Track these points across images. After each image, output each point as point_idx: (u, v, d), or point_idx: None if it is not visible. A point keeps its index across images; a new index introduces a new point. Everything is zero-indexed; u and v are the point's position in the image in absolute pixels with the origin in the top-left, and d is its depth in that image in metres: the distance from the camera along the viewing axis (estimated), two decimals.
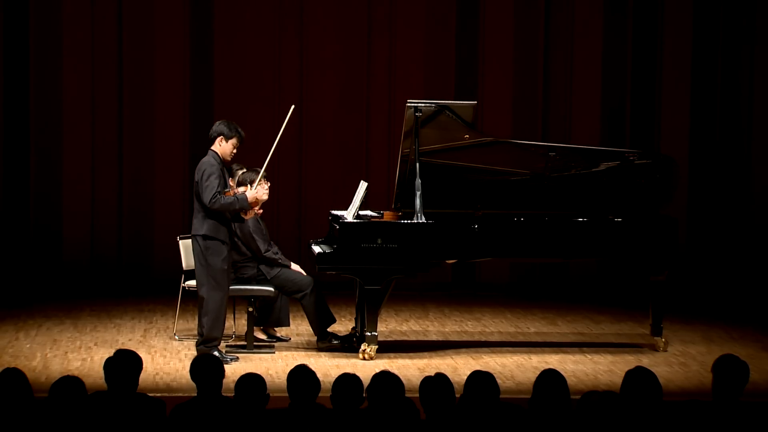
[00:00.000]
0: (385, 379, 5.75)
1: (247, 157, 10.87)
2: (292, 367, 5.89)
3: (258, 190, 9.65)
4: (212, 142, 9.64)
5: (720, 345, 10.69)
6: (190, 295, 10.51)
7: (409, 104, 9.99)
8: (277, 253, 10.32)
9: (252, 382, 5.73)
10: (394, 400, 5.67)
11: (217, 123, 9.77)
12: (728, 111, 13.79)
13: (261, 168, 10.36)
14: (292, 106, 10.13)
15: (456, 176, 10.37)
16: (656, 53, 13.79)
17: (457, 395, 5.71)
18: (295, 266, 10.34)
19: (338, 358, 9.81)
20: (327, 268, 9.91)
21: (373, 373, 5.85)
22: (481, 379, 5.70)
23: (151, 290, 13.04)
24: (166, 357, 9.87)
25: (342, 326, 10.82)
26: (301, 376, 5.77)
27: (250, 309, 10.03)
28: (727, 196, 13.75)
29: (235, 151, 9.70)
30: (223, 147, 9.63)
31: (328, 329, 10.23)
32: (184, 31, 13.46)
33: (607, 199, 10.43)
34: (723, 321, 12.00)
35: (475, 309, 12.50)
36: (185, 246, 10.47)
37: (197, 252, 9.57)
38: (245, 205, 9.58)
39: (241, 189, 9.90)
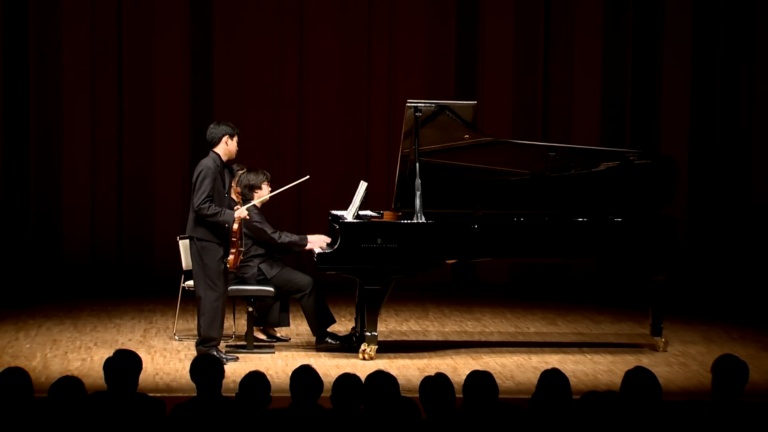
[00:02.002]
0: (379, 378, 5.75)
1: (247, 157, 10.87)
2: (293, 367, 5.89)
3: (243, 211, 9.62)
4: (214, 144, 9.63)
5: (720, 345, 10.69)
6: (190, 295, 10.49)
7: (409, 104, 9.99)
8: (289, 236, 10.21)
9: (257, 381, 5.73)
10: (389, 399, 5.66)
11: (214, 125, 9.73)
12: (728, 111, 13.79)
13: (263, 170, 10.37)
14: (307, 176, 10.21)
15: (456, 176, 10.36)
16: (656, 53, 13.78)
17: (458, 395, 5.71)
18: (312, 237, 10.25)
19: (338, 358, 9.81)
20: (327, 268, 9.91)
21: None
22: (479, 379, 5.70)
23: (151, 290, 13.04)
24: (166, 357, 9.87)
25: (342, 326, 10.82)
26: (305, 376, 5.76)
27: (250, 309, 10.03)
28: (726, 196, 13.75)
29: (237, 147, 9.73)
30: (230, 146, 9.64)
31: (328, 329, 10.22)
32: (184, 32, 13.46)
33: (607, 199, 10.43)
34: (723, 321, 12.00)
35: (475, 309, 12.50)
36: (185, 246, 10.46)
37: (194, 252, 9.59)
38: (229, 219, 9.51)
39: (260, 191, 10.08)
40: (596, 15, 13.75)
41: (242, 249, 9.78)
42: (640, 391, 5.65)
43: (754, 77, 13.69)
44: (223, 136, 9.62)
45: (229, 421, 5.65)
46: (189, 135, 13.41)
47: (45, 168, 13.31)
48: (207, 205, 9.44)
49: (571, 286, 13.68)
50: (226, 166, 9.76)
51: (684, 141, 13.78)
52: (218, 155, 9.60)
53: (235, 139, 9.67)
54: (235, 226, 9.59)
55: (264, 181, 10.25)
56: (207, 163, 9.56)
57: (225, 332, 10.58)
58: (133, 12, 13.37)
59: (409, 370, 9.42)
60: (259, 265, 10.20)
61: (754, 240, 13.66)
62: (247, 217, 9.68)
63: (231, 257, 9.65)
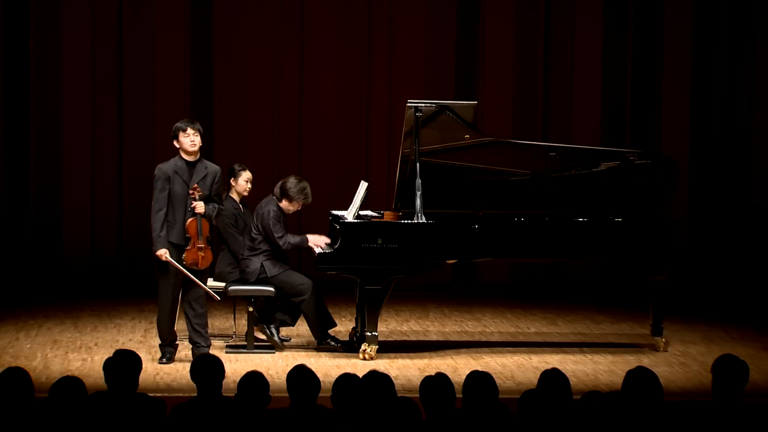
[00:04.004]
0: (374, 379, 5.75)
1: (248, 157, 10.87)
2: (292, 367, 5.89)
3: (199, 205, 9.44)
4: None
5: (720, 345, 10.69)
6: None
7: (409, 104, 9.99)
8: (292, 239, 10.16)
9: (255, 381, 5.73)
10: (385, 399, 5.66)
11: None
12: (728, 111, 13.79)
13: (309, 193, 10.32)
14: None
15: (456, 176, 10.36)
16: (656, 53, 13.78)
17: (458, 395, 5.71)
18: (311, 237, 10.17)
19: (338, 358, 9.81)
20: (327, 268, 9.90)
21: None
22: (479, 379, 5.70)
23: (151, 290, 12.99)
24: None
25: (342, 326, 10.81)
26: (301, 376, 5.77)
27: (250, 309, 10.02)
28: (727, 196, 13.75)
29: (194, 140, 9.48)
30: (180, 141, 9.52)
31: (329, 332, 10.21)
32: (184, 32, 13.45)
33: (608, 200, 10.43)
34: (723, 321, 12.00)
35: (475, 309, 12.49)
36: None
37: None
38: (156, 245, 9.39)
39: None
40: (596, 15, 13.75)
41: (202, 246, 9.46)
42: (641, 391, 5.65)
43: (755, 77, 13.69)
44: (176, 132, 9.54)
45: (230, 421, 5.65)
46: None
47: (45, 168, 13.30)
48: (156, 212, 9.39)
49: (571, 286, 13.68)
50: (193, 164, 9.51)
51: (684, 141, 13.78)
52: (179, 155, 9.54)
53: (189, 132, 9.47)
54: (189, 220, 9.46)
55: (302, 200, 10.18)
56: (161, 165, 9.53)
57: (225, 332, 10.60)
58: (133, 12, 13.36)
59: (409, 370, 9.42)
60: (263, 262, 10.13)
61: (754, 240, 13.66)
62: (200, 211, 9.40)
63: (185, 254, 9.49)
